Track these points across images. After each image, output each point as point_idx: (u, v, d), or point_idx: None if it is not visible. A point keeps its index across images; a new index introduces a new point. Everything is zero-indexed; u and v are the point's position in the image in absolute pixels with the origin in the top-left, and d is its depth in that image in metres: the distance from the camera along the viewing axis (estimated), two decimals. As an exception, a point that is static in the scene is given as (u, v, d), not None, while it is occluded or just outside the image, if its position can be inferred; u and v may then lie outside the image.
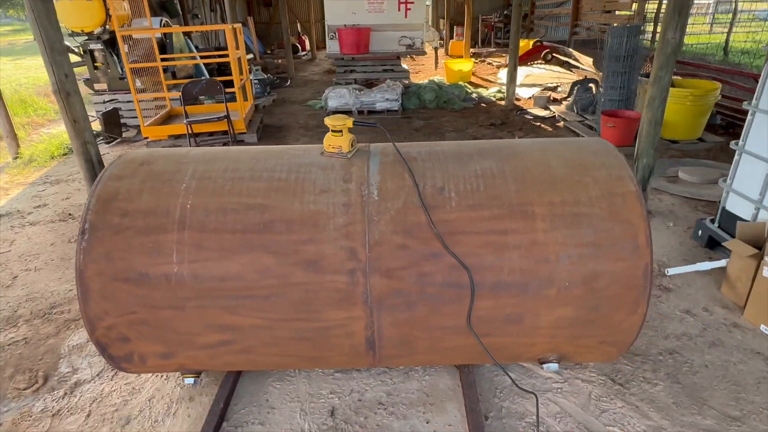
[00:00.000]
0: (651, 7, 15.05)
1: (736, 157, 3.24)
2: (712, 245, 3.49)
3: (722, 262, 3.07)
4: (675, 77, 6.46)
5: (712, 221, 3.47)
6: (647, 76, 6.15)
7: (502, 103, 8.41)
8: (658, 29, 16.05)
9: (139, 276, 1.82)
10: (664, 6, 16.56)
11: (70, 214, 4.48)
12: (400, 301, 1.85)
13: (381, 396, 2.32)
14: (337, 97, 7.97)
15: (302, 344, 1.95)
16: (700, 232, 3.56)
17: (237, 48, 6.46)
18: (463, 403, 2.24)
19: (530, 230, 1.84)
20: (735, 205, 3.26)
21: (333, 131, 2.05)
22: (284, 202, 1.89)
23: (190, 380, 2.19)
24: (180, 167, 2.02)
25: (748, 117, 3.13)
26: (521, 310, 1.87)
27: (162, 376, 2.48)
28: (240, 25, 6.94)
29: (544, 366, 2.15)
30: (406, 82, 9.68)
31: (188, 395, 2.36)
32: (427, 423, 2.17)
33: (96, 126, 7.61)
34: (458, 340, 1.95)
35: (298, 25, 18.75)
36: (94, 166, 3.65)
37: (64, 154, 6.55)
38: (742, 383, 2.36)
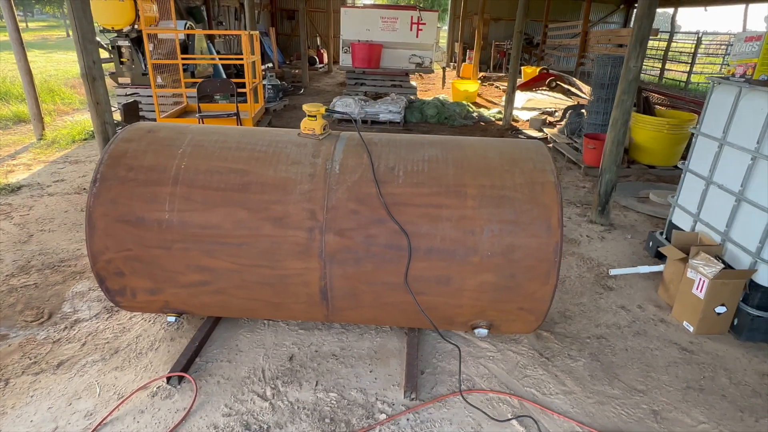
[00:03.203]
0: (655, 44, 15.52)
1: (682, 175, 3.59)
2: (661, 255, 3.80)
3: (660, 267, 3.40)
4: (659, 107, 6.83)
5: (661, 233, 3.80)
6: (633, 105, 6.53)
7: (500, 123, 8.82)
8: (667, 66, 16.47)
9: (136, 219, 2.22)
10: (673, 45, 17.00)
11: (84, 189, 4.93)
12: (350, 257, 2.22)
13: (335, 350, 2.67)
14: (343, 106, 8.44)
15: (266, 289, 2.32)
16: (650, 243, 3.88)
17: (252, 54, 6.98)
18: (405, 360, 2.58)
19: (461, 206, 2.21)
20: (679, 218, 3.60)
21: (309, 116, 2.46)
22: (261, 169, 2.28)
23: (171, 318, 2.56)
24: (179, 136, 2.43)
25: (693, 139, 3.48)
26: (450, 273, 2.23)
27: (149, 320, 2.85)
28: (257, 32, 7.46)
29: (476, 331, 2.50)
30: (412, 97, 10.15)
31: (170, 336, 2.73)
32: (370, 372, 2.51)
33: (117, 116, 8.15)
34: (398, 296, 2.31)
35: (318, 39, 19.50)
36: (110, 144, 4.08)
37: (84, 139, 7.05)
38: (654, 365, 2.67)
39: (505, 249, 2.19)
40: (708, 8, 14.72)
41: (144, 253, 2.25)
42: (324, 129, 2.49)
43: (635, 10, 14.52)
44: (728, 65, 3.29)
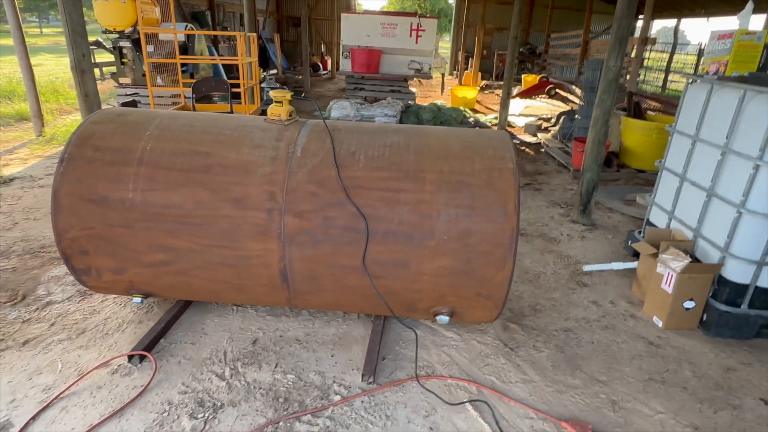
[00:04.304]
0: (654, 56, 15.52)
1: (659, 173, 3.59)
2: (639, 254, 3.79)
3: (634, 264, 3.39)
4: (652, 113, 6.83)
5: (640, 232, 3.79)
6: (624, 110, 6.55)
7: (495, 128, 8.85)
8: (670, 77, 16.46)
9: (100, 198, 2.26)
10: (679, 57, 16.99)
11: (74, 181, 5.00)
12: (308, 239, 2.25)
13: (300, 335, 2.69)
14: (339, 108, 8.51)
15: (227, 270, 2.35)
16: (629, 242, 3.87)
17: (249, 56, 7.08)
18: (367, 346, 2.59)
19: (419, 191, 2.24)
20: (656, 216, 3.59)
21: (275, 102, 2.50)
22: (224, 151, 2.32)
23: (137, 300, 2.59)
24: (148, 119, 2.48)
25: (669, 138, 3.49)
26: (407, 256, 2.25)
27: (120, 304, 2.89)
28: (254, 34, 7.58)
29: (437, 318, 2.51)
30: (411, 102, 10.21)
31: (138, 319, 2.76)
32: (332, 356, 2.53)
33: (115, 115, 8.26)
34: (358, 280, 2.33)
35: (323, 46, 19.71)
36: (97, 135, 4.16)
37: (83, 136, 7.15)
38: (618, 357, 2.66)
39: (462, 233, 2.21)
40: (710, 19, 14.73)
41: (107, 231, 2.29)
42: (290, 115, 2.54)
43: (639, 22, 14.46)
44: (704, 64, 3.31)
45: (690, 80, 3.30)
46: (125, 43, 8.40)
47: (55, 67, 16.34)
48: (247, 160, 2.30)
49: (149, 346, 2.46)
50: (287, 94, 2.49)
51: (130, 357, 2.38)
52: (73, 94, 10.44)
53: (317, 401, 2.21)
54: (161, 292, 2.59)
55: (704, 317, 2.89)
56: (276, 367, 2.42)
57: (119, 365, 2.37)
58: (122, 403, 2.13)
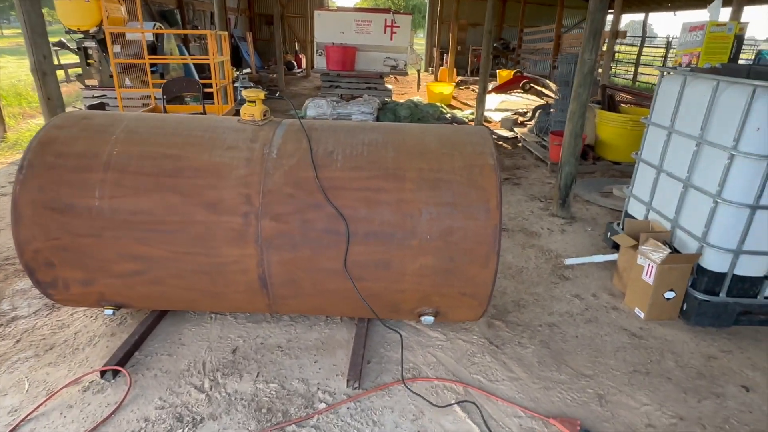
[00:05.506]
0: (625, 49, 15.85)
1: (635, 165, 3.62)
2: (618, 246, 3.82)
3: (615, 256, 3.41)
4: (625, 106, 6.94)
5: (618, 224, 3.83)
6: (599, 103, 6.63)
7: (473, 123, 8.87)
8: (644, 71, 16.80)
9: (65, 206, 2.14)
10: (648, 50, 17.37)
11: (40, 189, 4.79)
12: (286, 242, 2.17)
13: (282, 341, 2.61)
14: (315, 107, 8.40)
15: (203, 278, 2.26)
16: (608, 234, 3.90)
17: (221, 55, 6.91)
18: (351, 350, 2.53)
19: (399, 190, 2.18)
20: (634, 208, 3.63)
21: (249, 101, 2.41)
22: (196, 154, 2.23)
23: (109, 312, 2.48)
24: (114, 122, 2.36)
25: (645, 130, 3.52)
26: (389, 257, 2.20)
27: (90, 316, 2.76)
28: (225, 33, 7.40)
29: (422, 318, 2.47)
30: (387, 99, 10.16)
31: (111, 332, 2.64)
32: (315, 362, 2.46)
33: (82, 118, 7.96)
34: (339, 283, 2.26)
35: (296, 44, 19.48)
36: (61, 140, 3.98)
37: (48, 141, 6.87)
38: (602, 350, 2.67)
39: (444, 232, 2.17)
40: (677, 13, 15.10)
41: (73, 241, 2.17)
42: (265, 115, 2.45)
43: (609, 16, 14.72)
44: (675, 56, 3.35)
45: (664, 72, 3.33)
46: (90, 44, 8.11)
47: (17, 70, 15.76)
48: (220, 163, 2.21)
49: (123, 360, 2.35)
50: (261, 94, 2.41)
51: (103, 372, 2.27)
52: (36, 98, 10.05)
53: (302, 410, 2.14)
54: (134, 303, 2.48)
55: (684, 307, 2.92)
56: (258, 376, 2.34)
57: (91, 382, 2.25)
58: (95, 422, 2.02)
